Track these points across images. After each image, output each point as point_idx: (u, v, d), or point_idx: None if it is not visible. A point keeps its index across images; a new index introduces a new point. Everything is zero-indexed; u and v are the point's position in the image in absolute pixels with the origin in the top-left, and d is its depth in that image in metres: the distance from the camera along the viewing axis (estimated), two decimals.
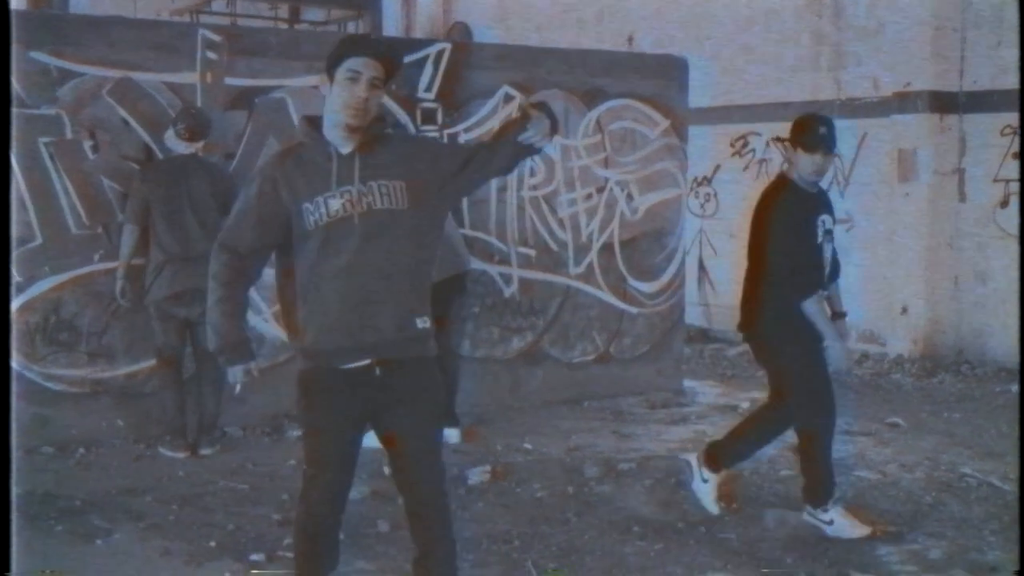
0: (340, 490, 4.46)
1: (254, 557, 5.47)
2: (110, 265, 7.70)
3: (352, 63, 4.08)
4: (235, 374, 4.33)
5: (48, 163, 7.61)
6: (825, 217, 6.11)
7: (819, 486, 5.94)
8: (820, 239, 6.04)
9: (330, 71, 4.14)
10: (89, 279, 7.69)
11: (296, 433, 7.89)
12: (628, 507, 6.39)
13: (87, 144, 7.73)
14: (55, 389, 7.58)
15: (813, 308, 5.90)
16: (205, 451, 7.46)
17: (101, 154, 7.76)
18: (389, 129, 4.35)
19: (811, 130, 5.83)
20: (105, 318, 7.73)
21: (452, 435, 7.85)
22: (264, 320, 8.24)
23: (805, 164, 5.92)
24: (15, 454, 6.97)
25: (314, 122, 4.21)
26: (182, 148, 7.48)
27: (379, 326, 4.13)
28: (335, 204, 4.12)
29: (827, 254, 6.14)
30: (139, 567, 5.40)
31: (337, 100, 4.09)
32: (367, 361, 4.14)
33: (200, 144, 7.53)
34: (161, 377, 7.57)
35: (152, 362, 7.69)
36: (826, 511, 5.91)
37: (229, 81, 8.13)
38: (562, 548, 5.68)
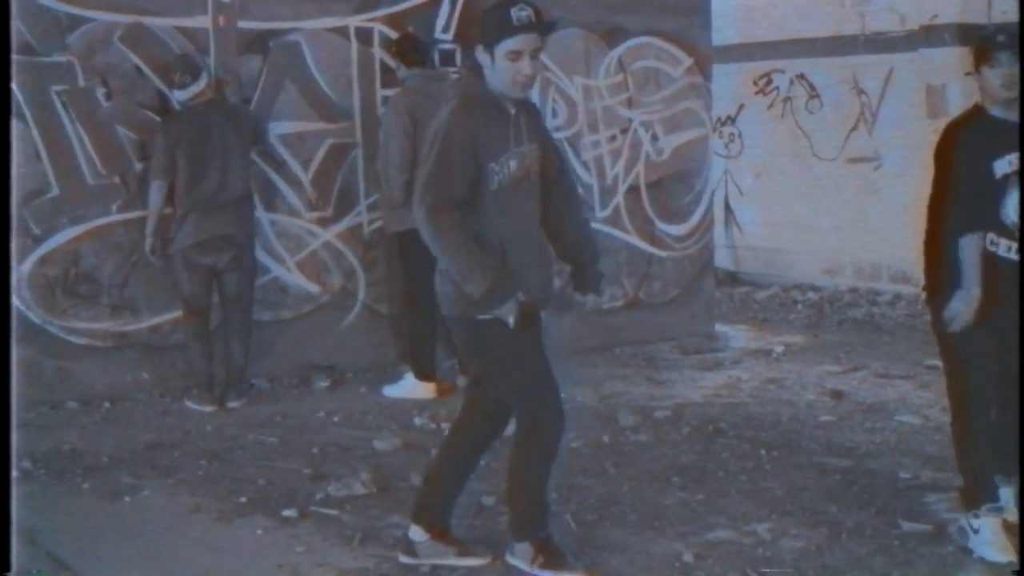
0: None
1: (286, 513, 5.32)
2: (129, 216, 7.57)
3: (510, 43, 4.28)
4: (508, 311, 4.36)
5: (61, 112, 7.43)
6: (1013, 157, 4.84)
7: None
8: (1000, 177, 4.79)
9: (487, 46, 4.33)
10: (108, 230, 7.53)
11: (324, 384, 7.80)
12: (666, 456, 6.24)
13: (100, 92, 7.54)
14: (78, 343, 7.44)
15: (970, 247, 4.73)
16: (233, 404, 7.32)
17: (115, 102, 7.58)
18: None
19: (988, 41, 4.84)
20: (126, 270, 7.58)
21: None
22: (288, 270, 8.09)
23: (992, 80, 4.80)
24: (37, 410, 6.92)
25: (478, 77, 4.43)
26: (185, 96, 7.28)
27: (550, 282, 4.65)
28: (514, 163, 4.40)
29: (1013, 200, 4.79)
30: (168, 524, 5.26)
31: (504, 77, 4.32)
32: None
33: (200, 86, 7.30)
34: (188, 328, 7.42)
35: (176, 313, 7.56)
36: (976, 517, 4.90)
37: (242, 25, 7.93)
38: (601, 500, 5.52)
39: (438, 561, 4.72)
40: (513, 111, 4.43)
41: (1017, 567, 4.64)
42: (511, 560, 4.73)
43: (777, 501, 5.49)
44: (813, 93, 12.44)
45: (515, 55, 4.30)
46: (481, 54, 4.38)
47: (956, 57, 10.91)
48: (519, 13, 4.29)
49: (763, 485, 5.74)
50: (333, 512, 5.35)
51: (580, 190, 5.08)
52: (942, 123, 10.91)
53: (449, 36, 8.66)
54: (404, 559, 4.76)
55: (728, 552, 4.88)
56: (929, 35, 11.14)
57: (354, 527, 5.15)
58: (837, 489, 5.66)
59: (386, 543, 4.96)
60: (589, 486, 5.73)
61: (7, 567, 3.52)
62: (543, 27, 4.36)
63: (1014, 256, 4.75)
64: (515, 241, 4.43)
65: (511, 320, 4.36)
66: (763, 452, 6.25)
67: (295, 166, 8.14)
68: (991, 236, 4.77)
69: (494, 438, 4.90)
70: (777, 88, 12.81)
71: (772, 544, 4.96)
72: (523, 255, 4.46)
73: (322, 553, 4.87)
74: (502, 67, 4.31)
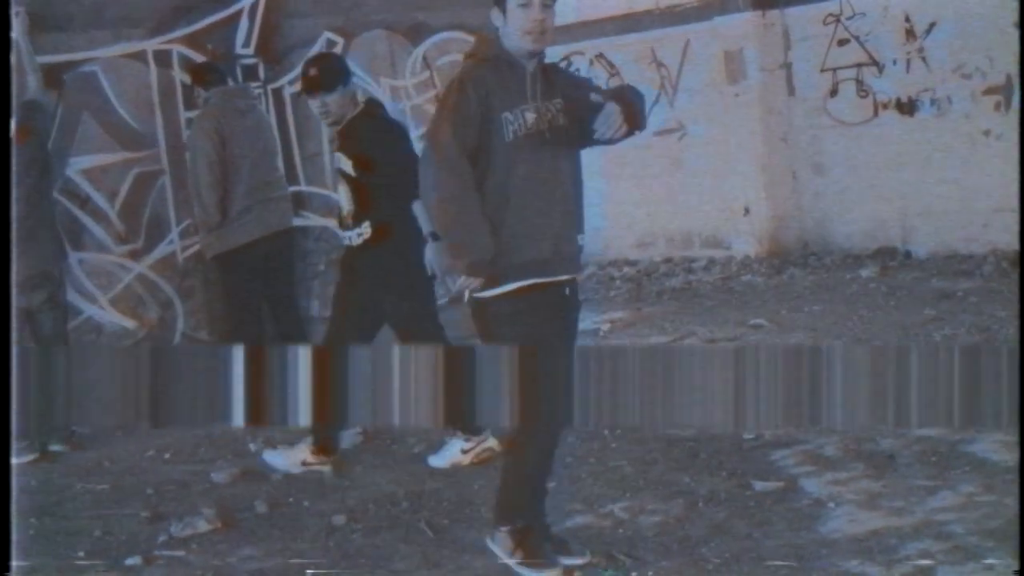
0: None
1: (129, 562, 5.09)
2: None
3: None
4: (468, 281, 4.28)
5: None
6: None
7: None
8: None
9: (498, 3, 4.27)
10: None
11: (147, 422, 7.50)
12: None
13: None
14: None
15: None
16: (55, 447, 6.98)
17: None
18: None
19: None
20: None
21: None
22: (101, 308, 7.80)
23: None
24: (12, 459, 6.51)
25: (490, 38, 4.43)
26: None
27: (573, 239, 4.36)
28: (531, 116, 4.28)
29: None
30: None
31: (515, 27, 4.24)
32: (567, 277, 4.39)
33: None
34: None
35: None
36: None
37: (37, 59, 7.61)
38: (453, 502, 5.44)
39: None
40: (531, 68, 4.33)
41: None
42: (490, 545, 4.57)
43: (628, 479, 5.49)
44: (613, 71, 12.55)
45: (525, 3, 4.23)
46: (495, 16, 4.32)
47: (750, 22, 11.14)
48: None
49: (612, 465, 5.72)
50: (179, 553, 5.13)
51: None
52: (742, 87, 11.34)
53: (251, 50, 8.43)
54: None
55: (588, 536, 4.84)
56: (723, 3, 11.33)
57: (204, 567, 4.95)
58: (685, 459, 5.68)
59: None
60: (439, 489, 5.63)
61: (7, 567, 3.31)
62: None
63: None
64: (526, 195, 4.28)
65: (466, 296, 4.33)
66: (606, 432, 6.23)
67: (100, 200, 7.85)
68: None
69: None
70: (578, 69, 12.88)
71: (631, 523, 4.95)
72: (534, 211, 4.29)
73: None
74: (513, 19, 4.22)
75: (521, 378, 4.26)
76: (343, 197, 5.97)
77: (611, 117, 4.11)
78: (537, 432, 4.46)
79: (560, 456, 5.80)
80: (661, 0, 12.09)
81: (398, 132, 6.13)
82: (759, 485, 5.18)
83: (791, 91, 11.15)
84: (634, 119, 4.18)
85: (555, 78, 4.43)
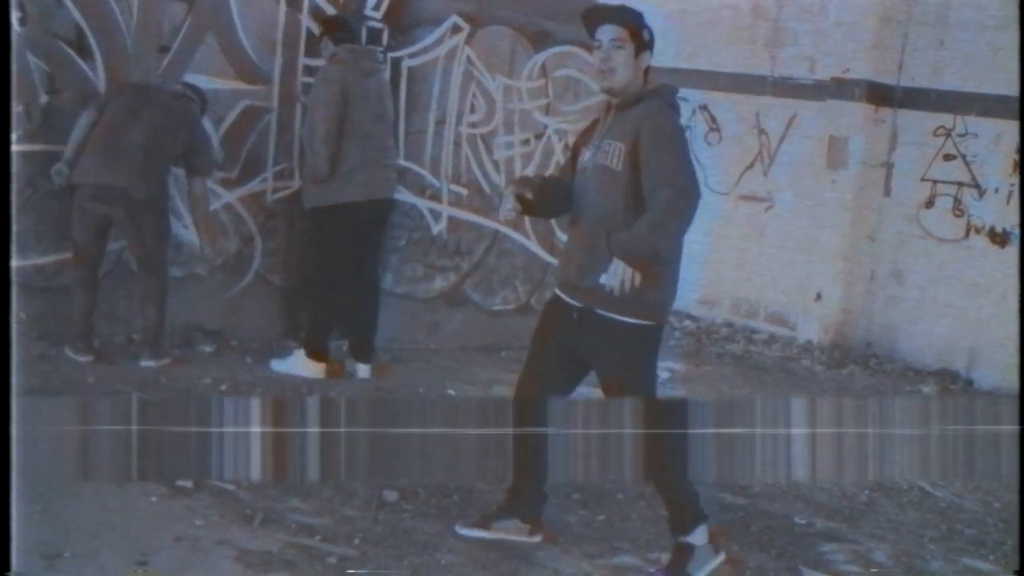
0: None
1: (181, 483, 5.10)
2: (27, 148, 7.19)
3: (596, 32, 4.61)
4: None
5: None
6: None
7: None
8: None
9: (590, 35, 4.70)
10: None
11: (208, 349, 7.54)
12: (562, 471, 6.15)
13: (15, 15, 7.15)
14: None
15: None
16: (147, 363, 7.02)
17: (29, 28, 7.21)
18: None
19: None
20: (18, 204, 7.18)
21: (363, 370, 7.56)
22: (184, 227, 7.79)
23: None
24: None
25: None
26: None
27: (589, 275, 4.65)
28: (588, 154, 4.69)
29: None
30: (57, 479, 4.98)
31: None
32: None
33: None
34: (74, 274, 7.09)
35: (63, 256, 7.22)
36: None
37: None
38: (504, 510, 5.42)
39: None
40: (612, 104, 4.67)
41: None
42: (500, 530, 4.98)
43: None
44: (714, 126, 12.53)
45: (596, 46, 4.64)
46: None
47: (862, 112, 11.10)
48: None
49: (662, 513, 5.67)
50: (230, 487, 5.14)
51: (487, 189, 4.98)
52: (840, 175, 11.32)
53: (379, 14, 8.45)
54: None
55: None
56: (839, 87, 11.30)
57: (253, 507, 4.96)
58: (736, 527, 5.64)
59: (289, 528, 4.78)
60: (489, 492, 5.62)
61: (7, 567, 3.31)
62: (607, 14, 4.63)
63: None
64: (573, 224, 4.81)
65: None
66: None
67: (206, 122, 7.84)
68: None
69: None
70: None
71: None
72: (574, 239, 4.77)
73: (221, 530, 4.68)
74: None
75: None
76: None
77: (616, 273, 4.39)
78: None
79: (611, 492, 5.83)
80: (777, 68, 12.08)
81: None
82: (808, 573, 5.16)
83: (887, 191, 11.11)
84: (646, 268, 4.40)
85: (627, 119, 4.57)
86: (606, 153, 4.58)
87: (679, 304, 12.11)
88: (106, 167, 6.92)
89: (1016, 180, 10.40)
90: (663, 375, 9.03)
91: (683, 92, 12.67)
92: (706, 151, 12.51)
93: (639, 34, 4.63)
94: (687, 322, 11.65)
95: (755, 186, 12.01)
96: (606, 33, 4.57)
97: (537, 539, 5.02)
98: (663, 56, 12.84)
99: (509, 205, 4.71)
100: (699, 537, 4.81)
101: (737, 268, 11.90)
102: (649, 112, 4.56)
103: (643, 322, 4.64)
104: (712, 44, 12.57)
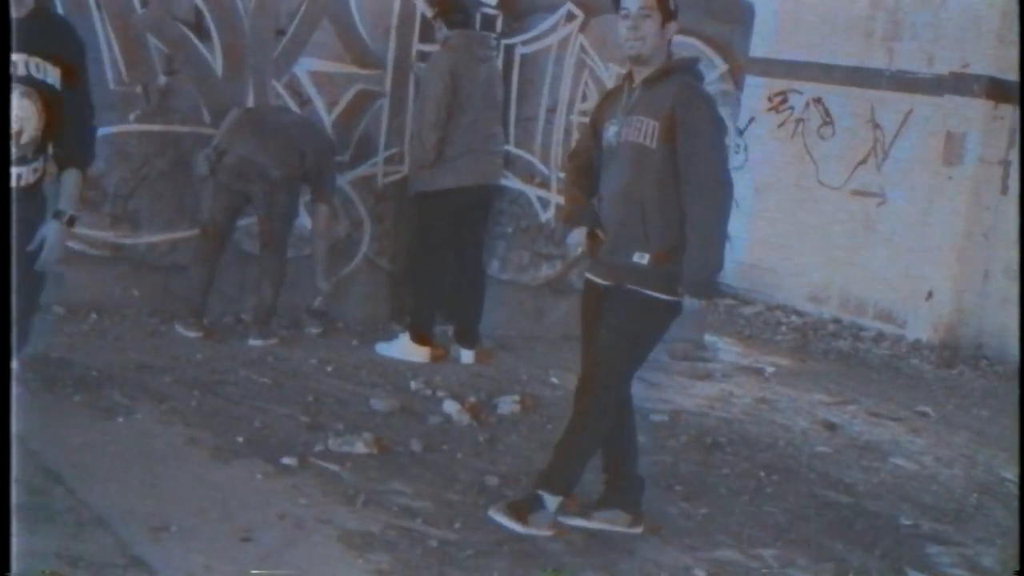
0: None
1: (286, 460, 5.15)
2: (144, 127, 7.33)
3: (623, 1, 4.52)
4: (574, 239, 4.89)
5: (94, 11, 7.16)
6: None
7: None
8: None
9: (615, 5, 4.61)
10: (122, 138, 7.28)
11: (315, 330, 7.60)
12: (666, 463, 6.12)
13: None
14: (74, 248, 7.13)
15: None
16: (255, 342, 7.12)
17: (150, 9, 7.33)
18: None
19: None
20: (134, 182, 7.34)
21: (467, 355, 7.58)
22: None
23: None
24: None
25: None
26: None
27: (620, 253, 4.70)
28: (613, 130, 4.63)
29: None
30: (164, 454, 5.07)
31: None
32: None
33: None
34: (199, 250, 7.19)
35: (176, 234, 7.37)
36: None
37: None
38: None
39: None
40: (638, 81, 4.59)
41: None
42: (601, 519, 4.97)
43: (780, 528, 5.38)
44: (827, 119, 12.35)
45: (623, 15, 4.54)
46: None
47: (981, 108, 10.86)
48: None
49: (765, 509, 5.62)
50: (334, 467, 5.18)
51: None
52: (956, 172, 11.09)
53: (494, 2, 8.45)
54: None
55: (736, 574, 4.77)
56: (958, 82, 11.06)
57: (356, 487, 4.99)
58: (840, 525, 5.56)
59: (390, 509, 4.80)
60: (591, 482, 5.57)
61: (7, 567, 3.38)
62: None
63: None
64: (603, 200, 4.75)
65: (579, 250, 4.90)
66: (762, 474, 6.14)
67: (319, 105, 7.92)
68: None
69: None
70: (791, 108, 12.71)
71: (780, 573, 4.86)
72: (606, 217, 4.71)
73: (325, 509, 4.70)
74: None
75: None
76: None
77: (695, 306, 4.69)
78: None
79: (714, 485, 5.78)
80: (894, 62, 11.85)
81: None
82: (914, 575, 5.06)
83: (1004, 189, 10.86)
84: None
85: (659, 97, 4.53)
86: (637, 130, 4.53)
87: (787, 299, 12.11)
88: (251, 144, 7.06)
89: None
90: (769, 369, 8.95)
91: (798, 84, 12.65)
92: (819, 145, 12.35)
93: (666, 3, 4.58)
94: (794, 317, 11.52)
95: (868, 181, 11.81)
96: (634, 2, 4.51)
97: (638, 529, 4.99)
98: (784, 47, 12.74)
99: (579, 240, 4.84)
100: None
101: (847, 264, 11.73)
102: (683, 90, 4.57)
103: (671, 298, 4.66)
104: (828, 36, 12.38)
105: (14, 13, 3.95)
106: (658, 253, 4.59)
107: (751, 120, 12.92)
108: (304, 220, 7.67)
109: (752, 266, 12.54)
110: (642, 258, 4.59)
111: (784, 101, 12.82)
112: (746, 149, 12.98)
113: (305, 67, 7.85)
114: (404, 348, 7.42)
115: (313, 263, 7.55)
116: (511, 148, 8.47)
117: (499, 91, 7.83)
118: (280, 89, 7.72)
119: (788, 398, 8.11)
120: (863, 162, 11.90)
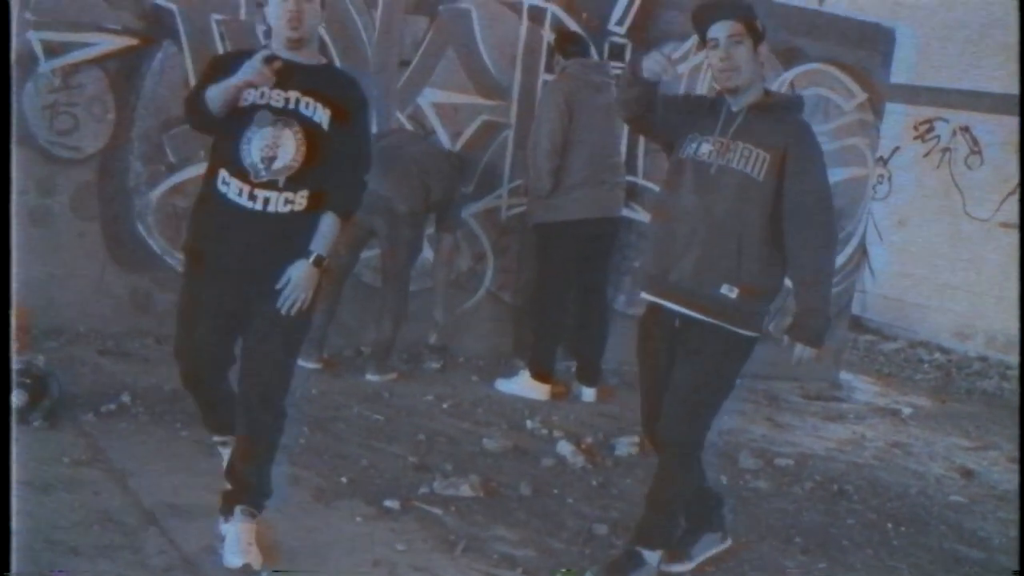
0: None
1: (388, 503, 5.03)
2: None
3: (709, 31, 4.27)
4: None
5: (218, 41, 7.20)
6: None
7: None
8: None
9: (701, 37, 4.35)
10: None
11: (435, 365, 7.50)
12: (787, 511, 5.86)
13: (260, 29, 7.28)
14: None
15: None
16: (372, 377, 7.07)
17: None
18: None
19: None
20: None
21: (588, 393, 7.40)
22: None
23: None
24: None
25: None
26: None
27: (690, 279, 4.46)
28: (707, 147, 4.36)
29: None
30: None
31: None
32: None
33: None
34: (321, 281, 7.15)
35: None
36: None
37: None
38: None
39: None
40: (742, 106, 4.35)
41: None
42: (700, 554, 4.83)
43: None
44: (975, 148, 11.92)
45: (712, 45, 4.31)
46: None
47: None
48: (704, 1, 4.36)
49: (890, 563, 5.34)
50: (437, 511, 5.05)
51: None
52: None
53: (622, 30, 8.30)
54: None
55: None
56: None
57: (457, 532, 4.85)
58: None
59: (490, 558, 4.65)
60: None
61: (7, 567, 3.32)
62: (719, 10, 4.29)
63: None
64: (675, 220, 4.44)
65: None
66: (890, 526, 5.84)
67: (443, 136, 7.85)
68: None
69: None
70: (938, 136, 12.30)
71: None
72: (686, 241, 4.39)
73: (422, 556, 4.57)
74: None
75: None
76: None
77: (804, 356, 4.35)
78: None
79: (837, 536, 5.51)
80: None
81: None
82: None
83: None
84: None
85: (765, 128, 4.31)
86: (744, 159, 4.30)
87: (930, 334, 11.68)
88: (377, 177, 6.97)
89: None
90: (906, 410, 8.59)
91: (945, 112, 12.20)
92: (965, 175, 11.92)
93: (754, 26, 4.33)
94: (937, 355, 11.09)
95: (1017, 213, 11.34)
96: (721, 31, 4.26)
97: (728, 543, 4.91)
98: (930, 74, 12.33)
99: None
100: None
101: (994, 298, 11.26)
102: (798, 128, 4.38)
103: (754, 334, 4.46)
104: (978, 63, 11.94)
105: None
106: (748, 287, 4.36)
107: (895, 149, 12.54)
108: (427, 253, 7.61)
109: (894, 299, 12.13)
110: (731, 291, 4.34)
111: (930, 130, 12.41)
112: (890, 179, 12.60)
113: (429, 98, 7.80)
114: (524, 385, 7.28)
115: (433, 294, 7.47)
116: (639, 180, 8.30)
117: (618, 121, 7.65)
118: (404, 120, 7.69)
119: (924, 442, 7.76)
120: (1012, 193, 11.44)
